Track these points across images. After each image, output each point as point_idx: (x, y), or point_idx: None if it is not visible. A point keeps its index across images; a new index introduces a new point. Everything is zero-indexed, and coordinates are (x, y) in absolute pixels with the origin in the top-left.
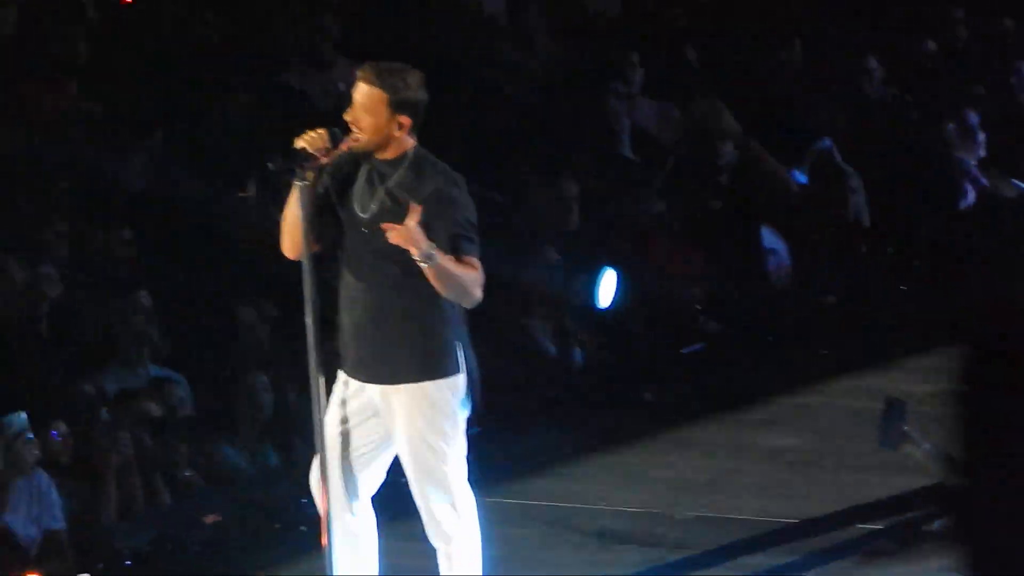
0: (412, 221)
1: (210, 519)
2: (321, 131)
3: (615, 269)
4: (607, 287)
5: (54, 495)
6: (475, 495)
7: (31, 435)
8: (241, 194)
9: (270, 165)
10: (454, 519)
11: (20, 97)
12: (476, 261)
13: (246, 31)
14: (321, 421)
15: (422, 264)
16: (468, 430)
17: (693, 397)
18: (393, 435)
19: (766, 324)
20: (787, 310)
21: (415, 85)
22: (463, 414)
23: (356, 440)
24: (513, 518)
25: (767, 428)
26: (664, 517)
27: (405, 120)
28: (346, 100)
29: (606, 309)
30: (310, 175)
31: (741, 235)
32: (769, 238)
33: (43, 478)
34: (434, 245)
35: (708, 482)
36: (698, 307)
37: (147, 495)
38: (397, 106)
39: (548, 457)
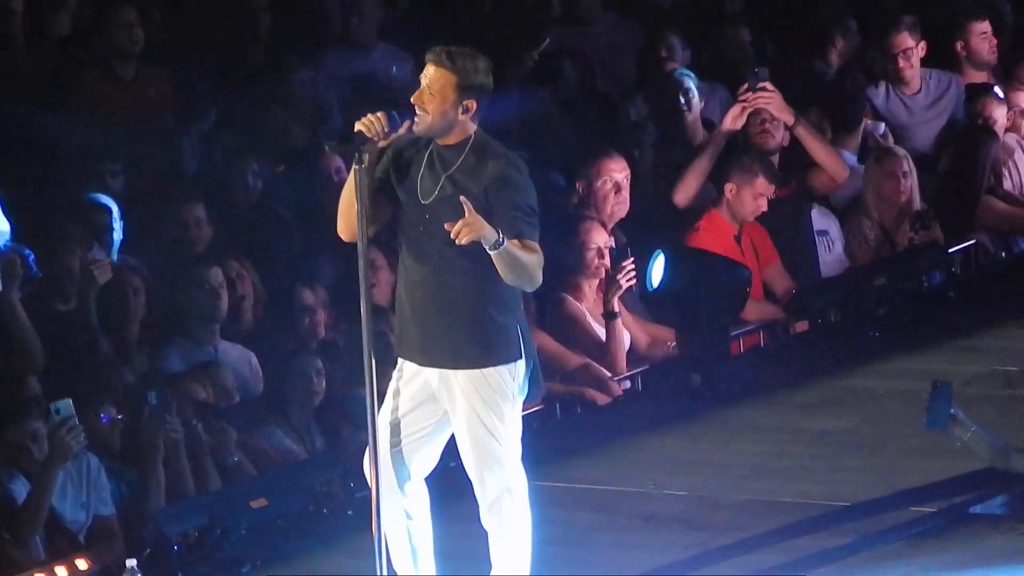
0: (473, 215)
1: (257, 504)
2: (379, 114)
3: (664, 252)
4: (657, 270)
5: (103, 479)
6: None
7: (77, 422)
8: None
9: (327, 147)
10: (508, 501)
11: (76, 83)
12: (537, 245)
13: (292, 14)
14: (373, 405)
15: (490, 251)
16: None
17: (741, 380)
18: (451, 417)
19: (816, 306)
20: (837, 292)
21: (483, 69)
22: (521, 398)
23: (410, 426)
24: (561, 501)
25: (815, 411)
26: (712, 500)
27: (471, 104)
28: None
29: (655, 290)
30: (366, 158)
31: (792, 217)
32: (820, 220)
33: (93, 462)
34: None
35: (756, 465)
36: (748, 290)
37: (196, 479)
38: (465, 90)
39: (596, 441)
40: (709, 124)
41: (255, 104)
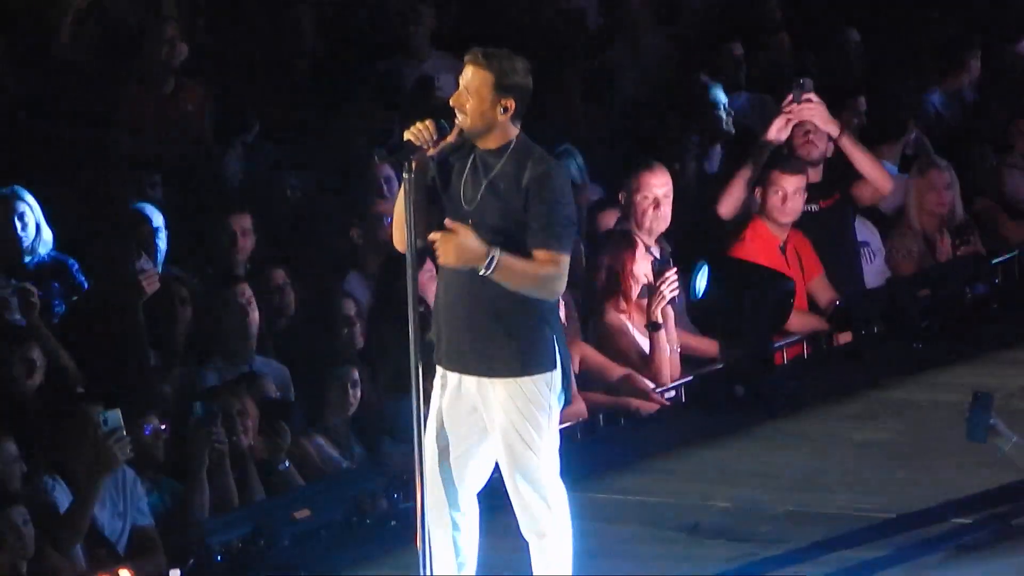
0: (457, 237)
1: (300, 515)
2: (428, 123)
3: (708, 262)
4: (701, 280)
5: (140, 490)
6: (567, 490)
7: (125, 433)
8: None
9: (376, 156)
10: (546, 513)
11: (121, 95)
12: (559, 256)
13: (339, 21)
14: (419, 415)
15: (484, 273)
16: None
17: (785, 391)
18: (487, 427)
19: (859, 317)
20: (880, 303)
21: (521, 70)
22: (557, 408)
23: (457, 435)
24: (605, 513)
25: (858, 422)
26: (756, 512)
27: (509, 103)
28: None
29: (698, 300)
30: (415, 167)
31: (836, 228)
32: (862, 231)
33: (128, 472)
34: (495, 249)
35: (800, 477)
36: (792, 301)
37: (240, 490)
38: (502, 89)
39: (639, 453)
40: (752, 134)
41: (300, 116)
